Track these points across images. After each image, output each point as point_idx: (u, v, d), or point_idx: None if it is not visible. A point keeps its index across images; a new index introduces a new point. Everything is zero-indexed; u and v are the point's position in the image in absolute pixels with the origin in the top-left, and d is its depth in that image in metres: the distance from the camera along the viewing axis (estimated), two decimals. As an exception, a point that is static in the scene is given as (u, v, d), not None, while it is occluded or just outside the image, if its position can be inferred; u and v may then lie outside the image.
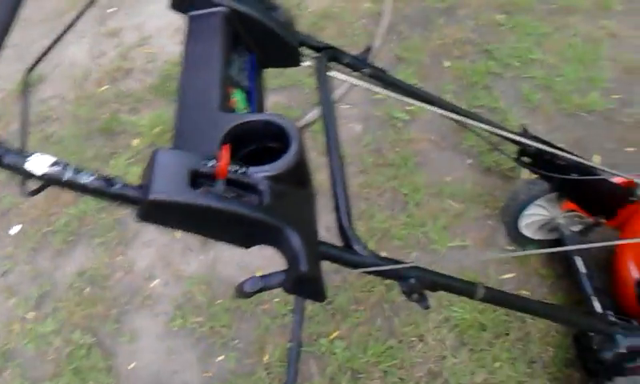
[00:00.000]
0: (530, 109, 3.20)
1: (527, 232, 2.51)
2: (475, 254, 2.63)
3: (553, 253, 2.48)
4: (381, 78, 1.63)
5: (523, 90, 3.28)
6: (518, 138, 1.94)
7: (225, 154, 0.90)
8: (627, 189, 2.17)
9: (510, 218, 2.47)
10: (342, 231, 1.14)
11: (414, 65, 3.52)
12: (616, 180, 2.16)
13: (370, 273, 1.15)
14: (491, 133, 1.89)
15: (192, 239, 2.73)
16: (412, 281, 1.16)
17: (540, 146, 1.96)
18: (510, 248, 2.63)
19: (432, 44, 3.63)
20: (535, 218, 2.46)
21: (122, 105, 3.54)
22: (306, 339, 2.40)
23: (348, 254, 1.13)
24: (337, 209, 1.15)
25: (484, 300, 1.33)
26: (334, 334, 2.42)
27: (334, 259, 1.11)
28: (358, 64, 1.57)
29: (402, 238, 2.72)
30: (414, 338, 2.39)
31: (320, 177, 2.83)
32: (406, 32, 3.74)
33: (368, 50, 1.60)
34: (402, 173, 2.98)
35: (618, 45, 3.48)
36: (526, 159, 2.08)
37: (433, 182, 2.92)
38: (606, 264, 2.23)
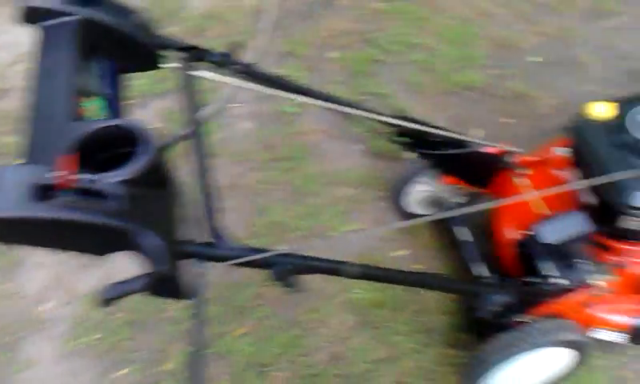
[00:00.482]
0: (413, 91, 3.33)
1: (415, 209, 2.62)
2: (357, 235, 2.71)
3: (441, 226, 2.59)
4: (252, 73, 1.65)
5: (406, 74, 3.40)
6: (393, 121, 2.01)
7: (67, 163, 0.90)
8: (497, 157, 2.31)
9: (396, 197, 2.56)
10: (210, 227, 1.16)
11: (301, 58, 3.56)
12: (488, 150, 2.29)
13: (238, 264, 1.17)
14: (369, 118, 1.96)
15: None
16: (282, 267, 1.19)
17: (414, 125, 2.05)
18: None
19: (317, 36, 3.68)
20: (419, 194, 2.57)
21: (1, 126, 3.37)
22: (210, 341, 2.40)
23: (214, 249, 1.15)
24: (203, 206, 1.16)
25: (359, 277, 1.39)
26: (239, 331, 2.43)
27: (198, 256, 1.13)
28: (227, 61, 1.58)
29: (300, 228, 2.77)
30: (317, 324, 2.44)
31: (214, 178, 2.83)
32: (290, 26, 3.77)
33: (236, 46, 1.61)
34: (296, 165, 3.02)
35: (491, 23, 3.67)
36: (403, 139, 2.15)
37: (327, 170, 2.98)
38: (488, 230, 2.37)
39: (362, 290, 2.49)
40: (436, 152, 2.16)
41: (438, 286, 1.96)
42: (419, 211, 2.64)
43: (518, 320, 1.98)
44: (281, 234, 2.74)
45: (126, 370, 2.36)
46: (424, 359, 2.30)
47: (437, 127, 2.08)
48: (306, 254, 1.31)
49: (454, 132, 2.17)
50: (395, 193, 2.54)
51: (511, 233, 2.29)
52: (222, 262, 1.14)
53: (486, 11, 3.73)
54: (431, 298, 2.47)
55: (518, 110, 3.17)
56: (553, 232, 1.99)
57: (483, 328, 2.02)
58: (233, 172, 3.03)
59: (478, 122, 3.14)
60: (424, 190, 2.55)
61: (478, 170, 2.36)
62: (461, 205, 2.48)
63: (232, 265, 1.18)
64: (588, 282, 1.93)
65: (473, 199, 2.50)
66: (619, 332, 2.08)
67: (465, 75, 3.34)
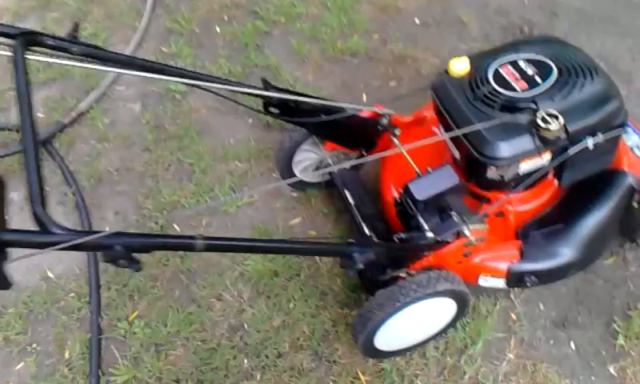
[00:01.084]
0: (299, 61, 3.35)
1: (304, 177, 2.65)
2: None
3: (333, 191, 2.63)
4: (95, 54, 1.61)
5: (292, 44, 3.41)
6: (259, 93, 2.02)
7: None
8: (374, 119, 2.37)
9: (284, 167, 2.58)
10: (35, 215, 1.14)
11: (186, 35, 3.51)
12: (364, 113, 2.35)
13: (67, 248, 1.15)
14: (233, 91, 1.96)
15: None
16: (117, 248, 1.19)
17: (283, 95, 2.06)
18: (295, 195, 2.76)
19: (201, 12, 3.64)
20: (306, 162, 2.60)
21: None
22: (106, 326, 2.37)
23: (40, 236, 1.13)
24: (30, 193, 1.14)
25: (206, 250, 1.39)
26: (133, 315, 2.41)
27: (23, 245, 1.11)
28: (65, 44, 1.54)
29: (192, 207, 2.75)
30: (212, 299, 2.45)
31: (102, 164, 2.76)
32: (172, 4, 3.70)
33: (75, 27, 1.57)
34: (185, 144, 2.99)
35: (373, -13, 3.73)
36: (273, 109, 2.15)
37: (217, 146, 2.97)
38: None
39: (255, 261, 2.51)
40: (309, 120, 2.19)
41: (306, 251, 2.00)
42: (308, 179, 2.67)
43: (398, 275, 2.05)
44: (172, 213, 2.72)
45: (21, 364, 2.30)
46: (318, 322, 2.35)
47: (306, 95, 2.11)
48: (139, 232, 1.30)
49: (324, 99, 2.21)
50: (282, 162, 2.56)
51: (391, 192, 2.38)
52: (50, 248, 1.13)
53: (367, -23, 3.78)
54: (324, 262, 2.53)
55: (401, 72, 3.26)
56: (422, 188, 2.08)
57: (370, 286, 2.09)
58: (122, 155, 2.97)
59: (364, 86, 3.21)
60: (309, 158, 2.58)
61: (354, 133, 2.41)
62: (352, 168, 2.53)
63: (64, 249, 1.16)
64: (461, 232, 2.02)
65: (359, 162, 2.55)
66: (498, 277, 2.19)
67: (349, 42, 3.39)
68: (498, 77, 2.07)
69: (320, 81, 3.23)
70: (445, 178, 2.09)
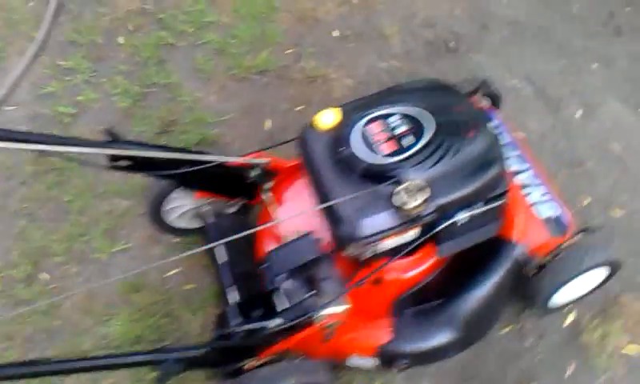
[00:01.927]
0: (203, 79, 3.07)
1: (181, 224, 2.40)
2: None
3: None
4: None
5: (197, 59, 3.13)
6: (105, 151, 1.75)
7: None
8: (244, 169, 2.11)
9: (155, 214, 2.33)
10: None
11: (87, 46, 3.22)
12: (234, 163, 2.07)
13: None
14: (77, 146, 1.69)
15: None
16: None
17: (129, 152, 1.79)
18: (176, 241, 2.51)
19: (105, 20, 3.34)
20: (180, 209, 2.35)
21: None
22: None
23: None
24: None
25: None
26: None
27: None
28: None
29: (62, 253, 2.52)
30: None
31: None
32: (76, 10, 3.40)
33: None
34: (65, 178, 2.73)
35: (294, -7, 3.41)
36: (122, 163, 1.87)
37: (98, 181, 2.71)
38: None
39: (118, 322, 2.28)
40: (165, 172, 1.93)
41: (111, 366, 1.71)
42: (185, 225, 2.42)
43: (242, 366, 1.82)
44: (40, 260, 2.48)
45: None
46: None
47: (160, 147, 1.87)
48: None
49: (182, 150, 1.96)
50: (150, 209, 2.30)
51: (264, 249, 2.12)
52: None
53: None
54: (193, 327, 2.29)
55: (311, 94, 2.98)
56: (280, 261, 1.83)
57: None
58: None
59: (269, 110, 2.93)
60: (183, 205, 2.32)
61: (225, 184, 2.16)
62: (238, 213, 2.28)
63: None
64: (319, 314, 1.78)
65: (244, 209, 2.30)
66: (368, 358, 1.96)
67: (259, 58, 3.10)
68: (364, 135, 1.78)
69: (223, 103, 2.96)
70: (304, 249, 1.84)
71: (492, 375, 2.14)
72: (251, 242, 2.15)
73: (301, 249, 1.84)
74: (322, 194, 1.76)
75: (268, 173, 2.14)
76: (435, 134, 1.74)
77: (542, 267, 2.04)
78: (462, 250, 1.94)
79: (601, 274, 2.11)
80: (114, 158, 1.87)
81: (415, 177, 1.68)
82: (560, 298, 2.12)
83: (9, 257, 2.52)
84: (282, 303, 1.83)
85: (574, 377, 2.13)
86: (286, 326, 1.76)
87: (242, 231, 2.10)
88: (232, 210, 2.35)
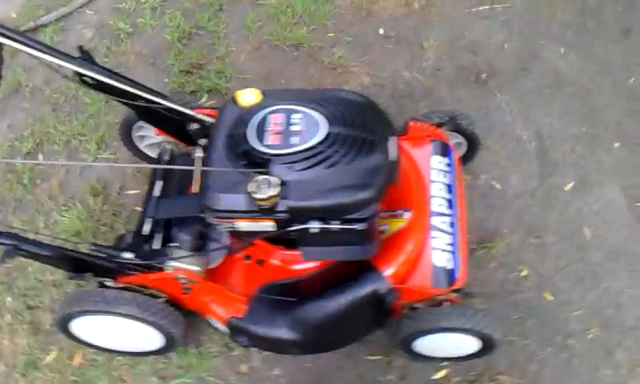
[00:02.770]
0: (244, 37, 3.29)
1: (150, 153, 2.65)
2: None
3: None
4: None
5: (249, 17, 3.34)
6: (72, 66, 1.94)
7: None
8: (187, 120, 2.28)
9: (126, 139, 2.59)
10: None
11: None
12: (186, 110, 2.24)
13: None
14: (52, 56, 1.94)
15: None
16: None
17: (92, 74, 2.00)
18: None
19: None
20: (149, 139, 2.59)
21: None
22: None
23: None
24: None
25: None
26: None
27: None
28: None
29: (61, 144, 2.92)
30: None
31: None
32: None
33: None
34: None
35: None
36: (87, 80, 2.11)
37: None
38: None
39: (70, 216, 2.62)
40: (121, 101, 2.14)
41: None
42: (154, 155, 2.66)
43: (101, 281, 2.05)
44: (44, 143, 2.91)
45: None
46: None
47: (127, 79, 2.05)
48: None
49: (141, 85, 2.13)
50: (123, 132, 2.58)
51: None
52: None
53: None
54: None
55: (326, 79, 3.09)
56: (164, 207, 2.02)
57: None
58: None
59: (283, 82, 3.08)
60: (149, 136, 2.57)
61: (172, 127, 2.34)
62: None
63: None
64: (168, 265, 1.96)
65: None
66: (221, 323, 2.10)
67: (299, 32, 3.24)
68: (262, 122, 1.88)
69: (249, 63, 3.17)
70: (186, 206, 2.01)
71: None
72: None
73: (189, 203, 2.02)
74: (206, 161, 1.91)
75: (205, 131, 2.30)
76: (320, 143, 1.79)
77: (413, 309, 2.02)
78: (337, 264, 1.99)
79: (472, 342, 2.04)
80: (82, 74, 2.12)
81: (280, 174, 1.75)
82: (425, 348, 2.09)
83: (22, 132, 2.95)
84: (155, 244, 2.03)
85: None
86: (136, 262, 1.95)
87: (186, 175, 2.32)
88: (198, 154, 2.53)
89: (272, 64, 3.15)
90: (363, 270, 1.98)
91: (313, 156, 1.76)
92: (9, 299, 2.45)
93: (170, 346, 2.18)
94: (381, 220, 2.09)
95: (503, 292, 2.31)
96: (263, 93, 2.01)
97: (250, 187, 1.73)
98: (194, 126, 2.28)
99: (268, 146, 1.80)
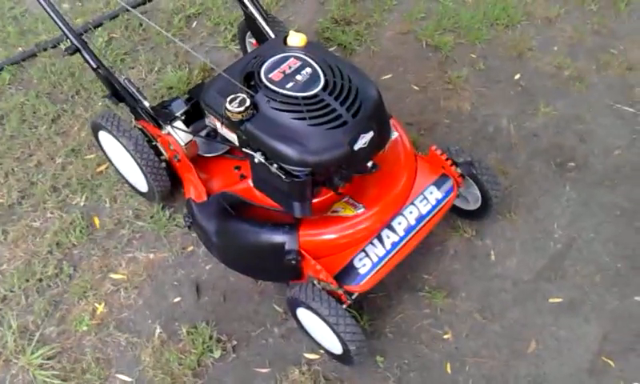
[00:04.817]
0: (403, 18, 3.51)
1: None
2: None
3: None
4: None
5: (416, 7, 3.56)
6: None
7: None
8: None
9: (239, 37, 3.05)
10: None
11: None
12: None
13: None
14: None
15: None
16: None
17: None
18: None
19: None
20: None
21: None
22: None
23: None
24: None
25: None
26: None
27: None
28: None
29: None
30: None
31: None
32: None
33: None
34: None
35: None
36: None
37: None
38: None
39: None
40: None
41: None
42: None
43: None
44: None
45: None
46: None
47: None
48: None
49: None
50: (240, 38, 3.08)
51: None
52: None
53: None
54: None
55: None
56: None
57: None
58: None
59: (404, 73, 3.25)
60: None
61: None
62: None
63: None
64: (164, 129, 2.44)
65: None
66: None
67: (444, 37, 3.33)
68: (282, 61, 2.16)
69: (387, 41, 3.41)
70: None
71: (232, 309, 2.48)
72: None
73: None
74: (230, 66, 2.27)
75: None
76: (304, 98, 2.01)
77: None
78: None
79: (335, 344, 2.15)
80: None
81: (259, 102, 2.04)
82: (305, 321, 2.25)
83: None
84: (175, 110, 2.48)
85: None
86: (147, 111, 2.43)
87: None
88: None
89: (404, 52, 3.33)
90: (288, 223, 2.19)
91: (289, 104, 2.02)
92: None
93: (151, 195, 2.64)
94: (337, 202, 2.27)
95: (409, 330, 2.34)
96: (309, 43, 2.27)
97: (229, 98, 2.04)
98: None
99: (268, 79, 2.09)
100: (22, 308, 2.46)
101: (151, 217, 2.71)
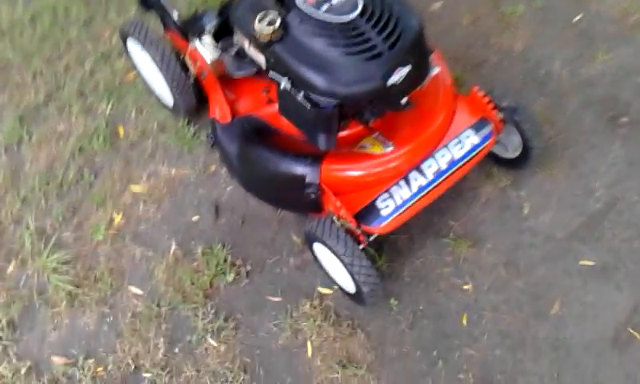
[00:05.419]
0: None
1: None
2: None
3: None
4: None
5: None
6: None
7: None
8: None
9: None
10: None
11: None
12: None
13: None
14: None
15: None
16: None
17: None
18: None
19: None
20: None
21: None
22: None
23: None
24: None
25: None
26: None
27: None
28: None
29: None
30: None
31: None
32: None
33: None
34: None
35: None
36: None
37: None
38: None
39: None
40: None
41: None
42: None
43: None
44: None
45: None
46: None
47: None
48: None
49: None
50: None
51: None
52: None
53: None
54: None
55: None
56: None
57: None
58: None
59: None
60: None
61: None
62: None
63: None
64: (195, 43, 2.32)
65: None
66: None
67: None
68: None
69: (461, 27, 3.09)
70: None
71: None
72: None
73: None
74: None
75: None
76: (339, 24, 1.85)
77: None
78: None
79: (349, 282, 2.08)
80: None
81: (290, 23, 1.89)
82: (321, 256, 2.18)
83: None
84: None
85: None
86: (176, 23, 2.35)
87: None
88: None
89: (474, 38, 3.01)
90: (312, 154, 2.09)
91: (322, 28, 1.86)
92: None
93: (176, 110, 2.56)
94: (366, 137, 2.15)
95: (428, 276, 2.26)
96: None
97: (258, 16, 1.90)
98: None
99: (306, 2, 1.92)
100: (40, 210, 2.45)
101: (176, 132, 2.63)
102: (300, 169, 2.09)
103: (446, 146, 2.16)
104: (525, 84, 2.74)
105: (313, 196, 2.09)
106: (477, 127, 2.20)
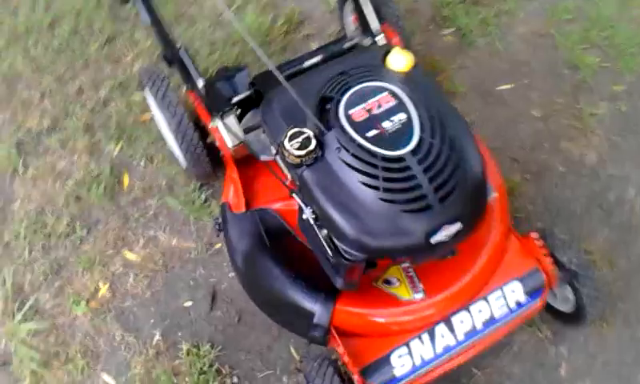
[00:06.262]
0: (543, 14, 2.83)
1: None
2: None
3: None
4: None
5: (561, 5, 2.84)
6: None
7: None
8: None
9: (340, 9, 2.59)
10: None
11: None
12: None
13: None
14: None
15: None
16: None
17: None
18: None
19: None
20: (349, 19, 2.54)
21: None
22: None
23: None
24: None
25: None
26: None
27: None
28: None
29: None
30: None
31: None
32: None
33: None
34: None
35: None
36: None
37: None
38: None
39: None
40: None
41: None
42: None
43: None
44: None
45: None
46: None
47: None
48: None
49: None
50: (339, 6, 2.60)
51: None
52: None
53: None
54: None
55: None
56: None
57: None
58: None
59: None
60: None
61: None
62: None
63: None
64: (217, 123, 2.00)
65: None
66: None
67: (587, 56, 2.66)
68: (370, 92, 1.62)
69: (515, 38, 2.75)
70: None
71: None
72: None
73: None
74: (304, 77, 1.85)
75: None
76: (385, 159, 1.50)
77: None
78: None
79: None
80: None
81: (328, 144, 1.54)
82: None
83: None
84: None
85: None
86: (199, 90, 2.02)
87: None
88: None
89: (534, 59, 2.68)
90: (326, 289, 1.77)
91: (364, 161, 1.51)
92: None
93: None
94: (399, 275, 1.83)
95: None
96: (416, 67, 1.72)
97: (290, 132, 1.55)
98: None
99: (347, 116, 1.58)
100: (22, 262, 2.21)
101: (184, 195, 2.34)
102: (309, 304, 1.78)
103: (485, 297, 1.82)
104: (588, 210, 2.35)
105: (317, 336, 1.79)
106: (526, 281, 1.84)
